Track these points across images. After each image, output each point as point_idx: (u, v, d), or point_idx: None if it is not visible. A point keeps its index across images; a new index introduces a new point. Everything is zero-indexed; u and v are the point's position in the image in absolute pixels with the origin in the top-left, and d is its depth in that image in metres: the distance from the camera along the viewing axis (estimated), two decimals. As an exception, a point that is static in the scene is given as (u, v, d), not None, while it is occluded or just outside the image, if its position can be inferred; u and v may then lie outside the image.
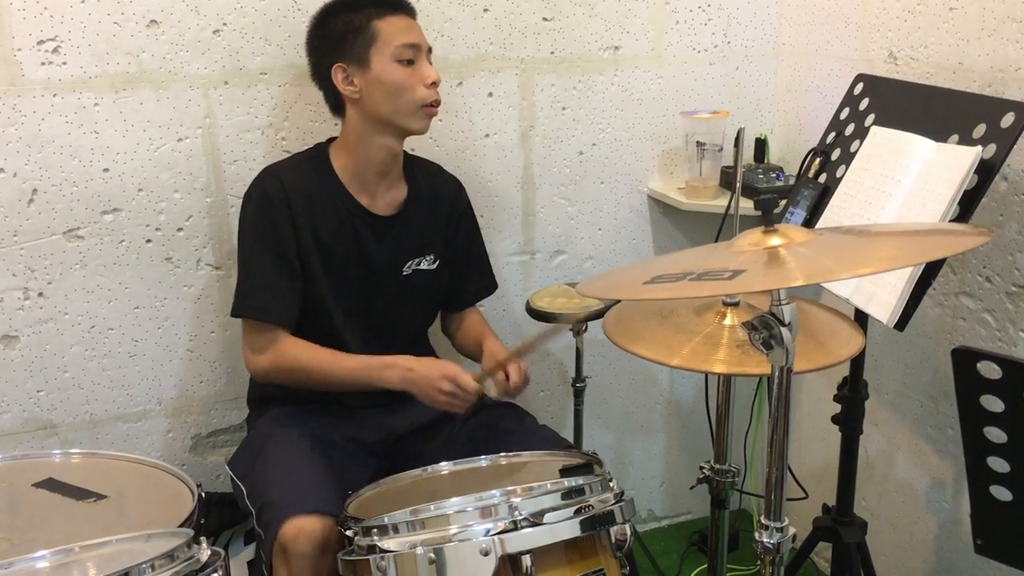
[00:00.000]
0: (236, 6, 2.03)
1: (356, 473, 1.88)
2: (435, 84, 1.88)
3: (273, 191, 1.88)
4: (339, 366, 1.89)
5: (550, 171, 2.39)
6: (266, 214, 1.88)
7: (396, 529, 1.48)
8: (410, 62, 1.86)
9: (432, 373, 1.83)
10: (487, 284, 2.18)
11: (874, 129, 1.83)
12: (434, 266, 2.04)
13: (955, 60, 1.95)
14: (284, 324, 1.89)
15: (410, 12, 1.92)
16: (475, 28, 2.23)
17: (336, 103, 1.93)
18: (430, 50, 1.93)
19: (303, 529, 1.62)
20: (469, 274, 2.13)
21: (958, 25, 1.94)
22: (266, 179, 1.91)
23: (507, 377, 1.90)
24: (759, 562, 1.41)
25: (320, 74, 1.92)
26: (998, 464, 1.33)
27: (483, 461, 1.75)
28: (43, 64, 1.93)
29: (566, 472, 1.60)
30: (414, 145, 2.15)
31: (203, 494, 1.61)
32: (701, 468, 1.96)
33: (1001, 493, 1.34)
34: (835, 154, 1.93)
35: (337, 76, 1.86)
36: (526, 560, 1.42)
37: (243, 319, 1.91)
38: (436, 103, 1.89)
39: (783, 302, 1.25)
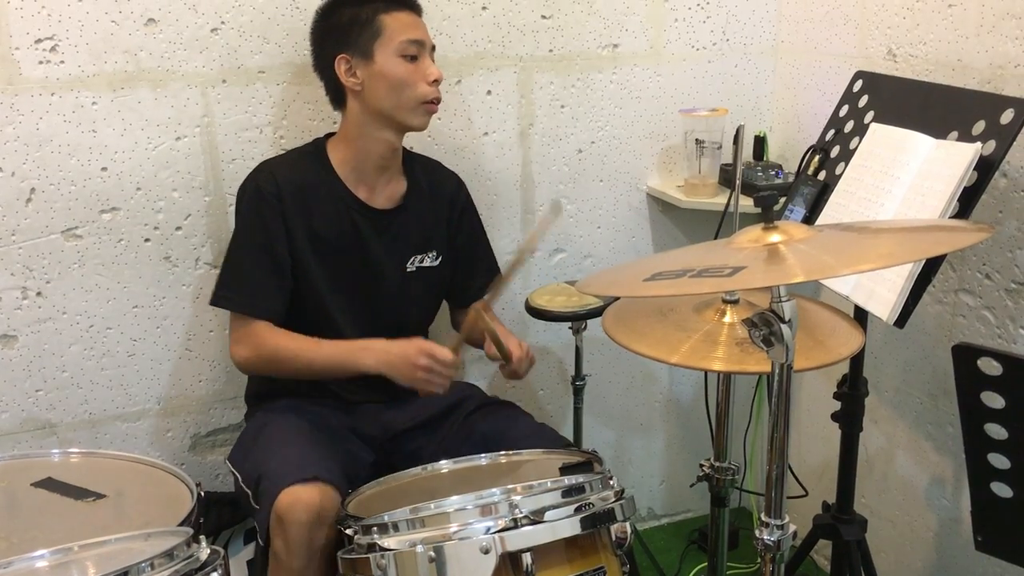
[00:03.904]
0: (234, 4, 2.03)
1: (354, 457, 1.88)
2: (437, 82, 1.89)
3: (265, 186, 1.89)
4: (316, 352, 1.88)
5: (549, 169, 2.39)
6: (257, 209, 1.89)
7: (396, 527, 1.48)
8: (414, 58, 1.87)
9: (407, 350, 1.82)
10: (493, 278, 2.18)
11: (873, 126, 1.83)
12: (437, 263, 2.04)
13: (954, 57, 1.95)
14: (262, 316, 1.89)
15: (416, 9, 1.94)
16: (474, 26, 2.23)
17: (337, 95, 1.94)
18: (433, 48, 1.93)
19: (300, 498, 1.62)
20: (475, 269, 2.13)
21: (957, 22, 1.94)
22: (260, 174, 1.92)
23: (510, 359, 1.91)
24: (759, 560, 1.40)
25: (322, 65, 1.93)
26: (999, 461, 1.32)
27: (483, 459, 1.76)
28: (41, 63, 1.93)
29: (566, 470, 1.60)
30: (412, 142, 2.14)
31: (202, 493, 1.61)
32: (701, 466, 1.95)
33: (1002, 490, 1.34)
34: (834, 151, 1.93)
35: (340, 67, 1.87)
36: (526, 558, 1.42)
37: (230, 311, 1.92)
38: (437, 100, 1.90)
39: (783, 299, 1.25)
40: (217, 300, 1.93)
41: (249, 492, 1.77)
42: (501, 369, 1.97)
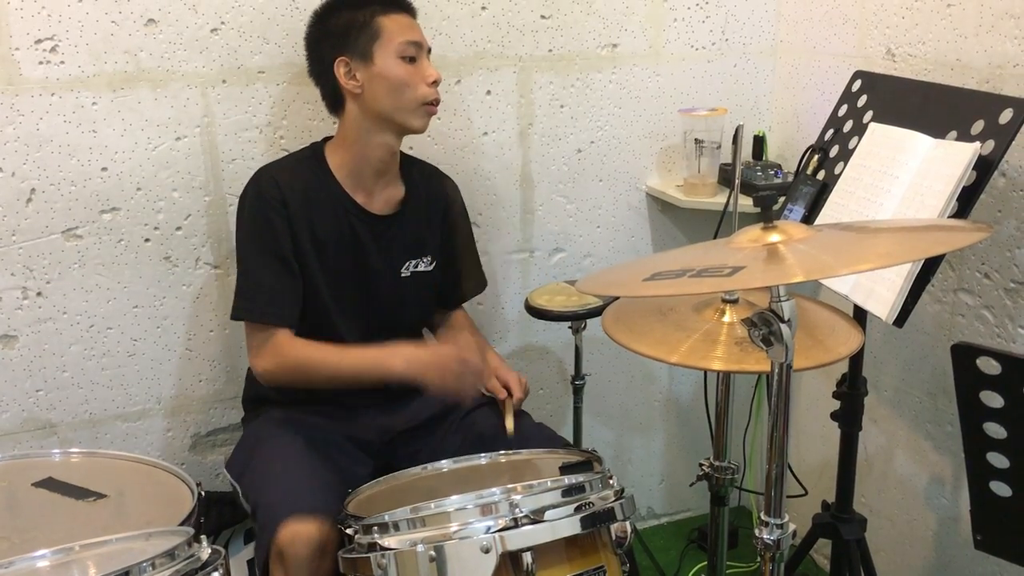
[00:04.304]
0: (234, 5, 2.03)
1: (354, 470, 1.88)
2: (436, 83, 1.89)
3: (268, 190, 1.88)
4: (342, 360, 1.86)
5: (548, 169, 2.39)
6: (262, 214, 1.88)
7: (397, 527, 1.48)
8: (412, 59, 1.87)
9: (440, 355, 1.81)
10: (478, 283, 2.19)
11: (872, 126, 1.83)
12: (431, 267, 2.04)
13: (953, 56, 1.95)
14: (285, 325, 1.87)
15: (412, 12, 1.94)
16: (473, 26, 2.23)
17: (335, 100, 1.93)
18: (430, 50, 1.93)
19: (299, 534, 1.61)
20: (463, 273, 2.13)
21: (956, 21, 1.94)
22: (261, 179, 1.91)
23: (509, 395, 1.95)
24: (759, 559, 1.41)
25: (320, 69, 1.92)
26: (997, 460, 1.33)
27: (483, 459, 1.76)
28: (41, 63, 1.93)
29: (566, 469, 1.60)
30: (412, 143, 2.15)
31: (203, 493, 1.61)
32: (700, 465, 1.96)
33: (1001, 489, 1.34)
34: (833, 151, 1.93)
35: (339, 70, 1.86)
36: (527, 557, 1.43)
37: (246, 322, 1.90)
38: (436, 102, 1.90)
39: (782, 298, 1.25)
40: (237, 313, 1.90)
41: (248, 510, 1.76)
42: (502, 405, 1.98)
